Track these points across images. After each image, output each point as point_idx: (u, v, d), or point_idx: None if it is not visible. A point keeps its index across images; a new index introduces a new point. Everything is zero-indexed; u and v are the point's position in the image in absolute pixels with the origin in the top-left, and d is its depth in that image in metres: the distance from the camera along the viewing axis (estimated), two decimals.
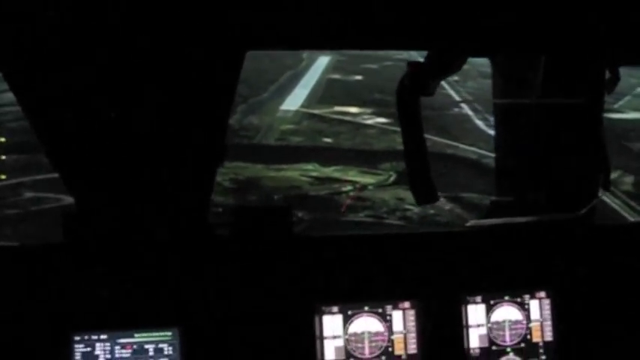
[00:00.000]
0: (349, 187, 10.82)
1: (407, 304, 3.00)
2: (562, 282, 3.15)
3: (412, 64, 2.97)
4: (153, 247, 2.88)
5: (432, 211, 9.51)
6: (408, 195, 10.21)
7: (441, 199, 9.98)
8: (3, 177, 9.47)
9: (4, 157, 9.65)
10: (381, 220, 9.39)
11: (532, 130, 3.41)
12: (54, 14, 2.28)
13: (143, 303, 2.83)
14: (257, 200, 9.86)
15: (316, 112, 14.37)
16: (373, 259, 3.03)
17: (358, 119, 14.11)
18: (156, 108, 2.73)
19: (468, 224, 3.36)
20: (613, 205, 10.07)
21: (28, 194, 9.53)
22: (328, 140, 12.87)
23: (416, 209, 9.52)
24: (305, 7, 2.34)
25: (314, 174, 11.29)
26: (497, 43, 2.77)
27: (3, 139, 9.92)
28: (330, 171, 11.43)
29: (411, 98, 2.99)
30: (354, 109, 14.68)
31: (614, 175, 10.85)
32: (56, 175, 2.83)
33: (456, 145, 12.60)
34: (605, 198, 10.25)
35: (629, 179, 11.17)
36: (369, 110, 14.55)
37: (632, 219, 9.60)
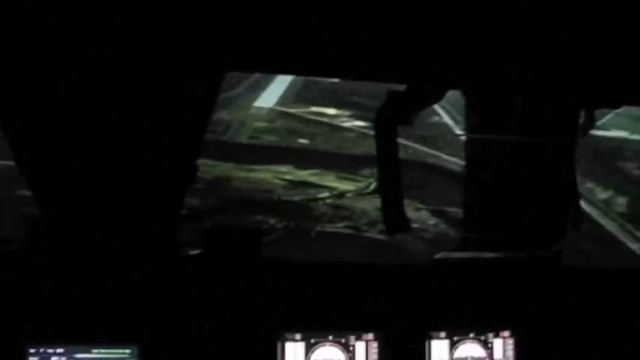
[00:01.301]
0: (326, 194, 10.53)
1: (370, 336, 3.08)
2: (527, 322, 3.26)
3: (392, 94, 3.07)
4: (117, 261, 2.92)
5: (415, 225, 9.21)
6: None
7: (425, 213, 9.72)
8: None
9: None
10: (360, 233, 9.05)
11: (503, 166, 3.55)
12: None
13: (103, 318, 2.85)
14: (225, 201, 9.41)
15: (292, 111, 14.12)
16: (340, 288, 3.12)
17: (336, 121, 13.87)
18: (132, 125, 2.82)
19: (437, 256, 3.41)
20: (609, 227, 9.85)
21: None
22: (304, 141, 12.59)
23: None
24: (286, 34, 2.47)
25: (288, 177, 10.95)
26: (477, 78, 2.89)
27: None
28: (305, 174, 11.11)
29: (390, 128, 3.11)
30: (331, 111, 14.45)
31: (606, 196, 10.73)
32: None
33: (438, 155, 12.39)
34: (600, 220, 10.06)
35: (622, 200, 10.96)
36: (347, 112, 14.29)
37: (629, 243, 9.44)
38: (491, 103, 3.59)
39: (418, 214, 9.80)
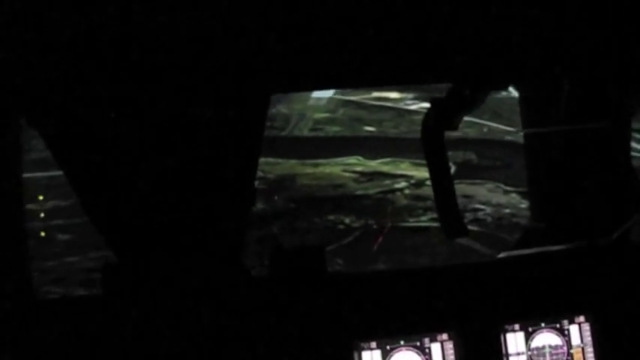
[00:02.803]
0: (403, 183, 9.80)
1: (445, 336, 3.13)
2: (601, 306, 3.27)
3: (435, 101, 3.18)
4: (190, 293, 2.99)
5: (507, 211, 8.28)
6: (476, 191, 9.19)
7: (515, 196, 8.92)
8: None
9: None
10: None
11: (562, 156, 3.58)
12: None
13: (182, 349, 2.93)
14: (292, 202, 8.53)
15: (353, 98, 13.00)
16: (409, 293, 3.17)
17: (401, 105, 12.81)
18: (185, 154, 2.89)
19: (500, 255, 3.49)
20: None
21: None
22: (370, 129, 11.72)
23: (488, 209, 8.34)
24: (327, 50, 2.61)
25: (359, 169, 10.17)
26: (517, 74, 3.06)
27: None
28: (377, 164, 10.31)
29: (436, 134, 3.19)
30: (394, 95, 13.21)
31: None
32: None
33: (514, 132, 11.47)
34: None
35: None
36: (410, 95, 13.08)
37: None
38: (543, 95, 3.63)
39: (507, 197, 8.95)
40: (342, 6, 2.44)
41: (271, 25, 2.45)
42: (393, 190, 9.49)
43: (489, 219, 8.49)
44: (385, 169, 10.16)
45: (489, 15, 2.53)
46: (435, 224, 8.33)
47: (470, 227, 8.62)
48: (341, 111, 12.53)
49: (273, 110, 11.93)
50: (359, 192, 9.44)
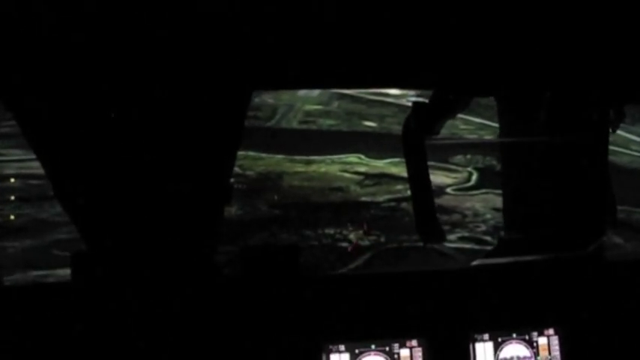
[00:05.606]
0: None
1: (414, 342, 3.19)
2: (571, 319, 3.36)
3: (417, 105, 3.28)
4: (160, 287, 3.04)
5: None
6: None
7: None
8: None
9: None
10: (484, 247, 6.56)
11: (539, 167, 3.66)
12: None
13: (150, 344, 2.96)
14: (278, 208, 7.39)
15: (348, 91, 11.91)
16: (380, 298, 3.21)
17: (402, 101, 11.53)
18: (162, 148, 2.95)
19: (474, 263, 3.50)
20: None
21: None
22: (371, 124, 10.53)
23: None
24: (310, 48, 2.66)
25: (362, 169, 8.91)
26: (501, 82, 3.14)
27: None
28: (383, 165, 9.02)
29: (416, 138, 3.29)
30: (393, 90, 12.07)
31: None
32: None
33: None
34: None
35: None
36: (412, 92, 12.03)
37: None
38: (522, 105, 3.63)
39: None
40: (329, 6, 2.45)
41: (255, 18, 2.44)
42: (407, 199, 7.89)
43: None
44: (394, 170, 8.80)
45: (475, 22, 2.55)
46: (467, 245, 6.75)
47: None
48: (335, 104, 11.30)
49: (257, 100, 10.72)
50: (364, 198, 8.01)
